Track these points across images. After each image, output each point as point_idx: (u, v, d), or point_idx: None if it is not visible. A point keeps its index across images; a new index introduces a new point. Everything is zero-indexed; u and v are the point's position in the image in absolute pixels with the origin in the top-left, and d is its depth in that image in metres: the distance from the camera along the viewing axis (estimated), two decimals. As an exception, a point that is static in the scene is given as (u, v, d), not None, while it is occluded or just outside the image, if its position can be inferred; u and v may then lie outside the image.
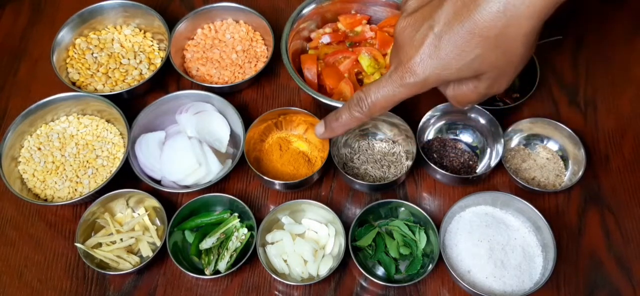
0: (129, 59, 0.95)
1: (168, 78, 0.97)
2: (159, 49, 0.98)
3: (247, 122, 0.85)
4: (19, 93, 0.96)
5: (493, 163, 0.83)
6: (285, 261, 0.76)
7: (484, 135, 0.86)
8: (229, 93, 0.92)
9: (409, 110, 0.86)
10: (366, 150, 0.86)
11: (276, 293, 0.78)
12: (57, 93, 0.87)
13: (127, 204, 0.82)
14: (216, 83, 0.93)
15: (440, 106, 0.85)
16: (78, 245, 0.76)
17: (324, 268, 0.75)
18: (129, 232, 0.79)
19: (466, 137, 0.88)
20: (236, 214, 0.80)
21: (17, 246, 0.81)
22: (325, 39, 0.94)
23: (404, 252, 0.76)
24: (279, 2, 1.06)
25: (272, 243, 0.77)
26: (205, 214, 0.81)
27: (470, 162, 0.86)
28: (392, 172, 0.84)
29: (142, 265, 0.75)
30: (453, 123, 0.88)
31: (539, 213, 0.75)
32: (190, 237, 0.80)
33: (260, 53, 0.97)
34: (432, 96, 0.67)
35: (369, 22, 0.97)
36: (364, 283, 0.78)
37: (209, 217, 0.80)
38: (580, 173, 0.82)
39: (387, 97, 0.60)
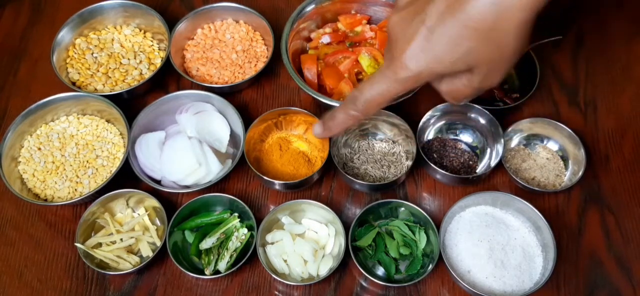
0: (129, 59, 0.95)
1: (168, 78, 0.97)
2: (159, 49, 0.98)
3: (247, 122, 0.85)
4: (19, 93, 0.96)
5: (493, 163, 0.83)
6: (285, 261, 0.76)
7: (484, 135, 0.86)
8: (229, 93, 0.92)
9: (409, 110, 0.86)
10: (366, 150, 0.86)
11: (276, 293, 0.78)
12: (57, 93, 0.87)
13: (127, 204, 0.82)
14: (216, 83, 0.93)
15: (440, 106, 0.85)
16: (78, 245, 0.76)
17: (324, 268, 0.75)
18: (129, 232, 0.79)
19: (466, 137, 0.88)
20: (236, 214, 0.80)
21: (17, 246, 0.81)
22: (325, 39, 0.94)
23: (404, 252, 0.76)
24: (279, 2, 1.06)
25: (272, 243, 0.78)
26: (205, 214, 0.81)
27: (470, 162, 0.86)
28: (392, 172, 0.84)
29: (142, 265, 0.75)
30: (453, 123, 0.88)
31: (539, 213, 0.75)
32: (190, 237, 0.80)
33: (260, 53, 0.97)
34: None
35: (369, 22, 0.96)
36: (364, 283, 0.78)
37: (209, 217, 0.80)
38: (580, 173, 0.82)
39: (381, 93, 0.59)
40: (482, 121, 0.86)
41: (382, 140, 0.87)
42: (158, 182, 0.83)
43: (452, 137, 0.89)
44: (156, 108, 0.87)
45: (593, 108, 0.93)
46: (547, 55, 0.97)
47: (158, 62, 0.96)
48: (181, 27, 0.95)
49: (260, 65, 0.95)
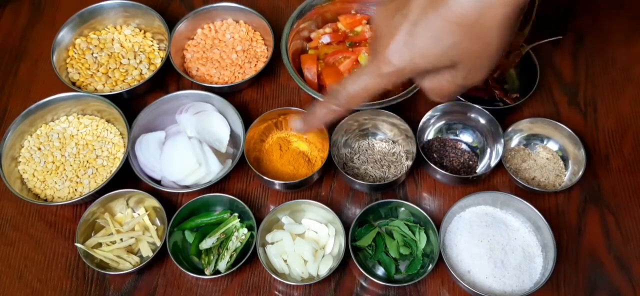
0: (129, 59, 0.95)
1: (168, 78, 0.97)
2: (159, 49, 0.98)
3: (247, 122, 0.85)
4: (19, 93, 0.96)
5: (493, 163, 0.83)
6: (285, 261, 0.76)
7: (484, 135, 0.86)
8: (229, 93, 0.92)
9: (409, 110, 0.86)
10: (366, 150, 0.86)
11: (276, 293, 0.78)
12: (57, 93, 0.87)
13: (127, 204, 0.82)
14: (216, 83, 0.93)
15: (440, 106, 0.85)
16: (78, 245, 0.76)
17: (324, 268, 0.75)
18: (129, 232, 0.79)
19: (466, 137, 0.88)
20: (236, 214, 0.80)
21: (17, 246, 0.81)
22: (325, 39, 0.94)
23: (404, 252, 0.76)
24: (279, 2, 1.06)
25: (272, 243, 0.77)
26: (205, 214, 0.81)
27: (470, 162, 0.86)
28: (392, 172, 0.84)
29: (142, 265, 0.75)
30: (453, 123, 0.88)
31: (539, 213, 0.75)
32: (190, 237, 0.80)
33: (260, 53, 0.97)
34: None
35: (369, 22, 0.96)
36: (364, 283, 0.78)
37: (209, 217, 0.80)
38: (580, 173, 0.82)
39: (364, 88, 0.58)
40: (482, 121, 0.86)
41: (382, 140, 0.87)
42: (158, 182, 0.83)
43: (452, 137, 0.88)
44: (156, 108, 0.87)
45: (593, 109, 0.93)
46: (547, 55, 0.97)
47: (158, 62, 0.96)
48: (181, 27, 0.95)
49: (260, 65, 0.95)
